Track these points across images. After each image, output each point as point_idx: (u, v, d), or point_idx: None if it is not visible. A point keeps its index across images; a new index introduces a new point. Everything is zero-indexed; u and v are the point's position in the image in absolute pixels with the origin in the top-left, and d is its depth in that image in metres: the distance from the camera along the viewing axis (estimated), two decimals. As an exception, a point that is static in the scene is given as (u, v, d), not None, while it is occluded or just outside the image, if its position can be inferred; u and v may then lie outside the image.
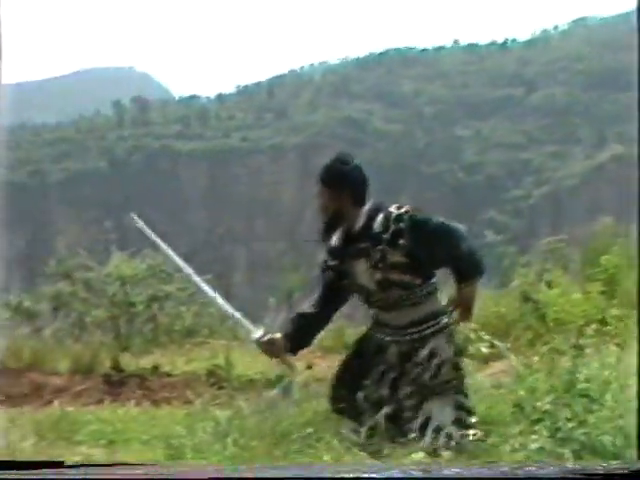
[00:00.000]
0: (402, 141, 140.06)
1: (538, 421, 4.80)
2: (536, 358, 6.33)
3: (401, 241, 5.26)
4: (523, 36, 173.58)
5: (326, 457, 4.52)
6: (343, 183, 5.47)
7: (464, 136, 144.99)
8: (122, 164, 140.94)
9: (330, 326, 10.77)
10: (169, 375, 9.05)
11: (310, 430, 5.03)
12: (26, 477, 3.13)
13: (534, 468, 3.18)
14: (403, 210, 5.36)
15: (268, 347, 5.49)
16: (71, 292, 13.35)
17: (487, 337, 7.88)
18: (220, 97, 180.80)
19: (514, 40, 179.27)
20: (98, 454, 4.96)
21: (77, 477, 3.12)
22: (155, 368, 9.38)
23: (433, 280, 5.41)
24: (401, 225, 5.28)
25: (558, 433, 4.59)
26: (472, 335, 7.89)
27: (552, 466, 3.32)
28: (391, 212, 5.37)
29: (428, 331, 5.35)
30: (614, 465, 3.68)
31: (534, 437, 4.61)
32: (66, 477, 3.15)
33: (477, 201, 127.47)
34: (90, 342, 11.01)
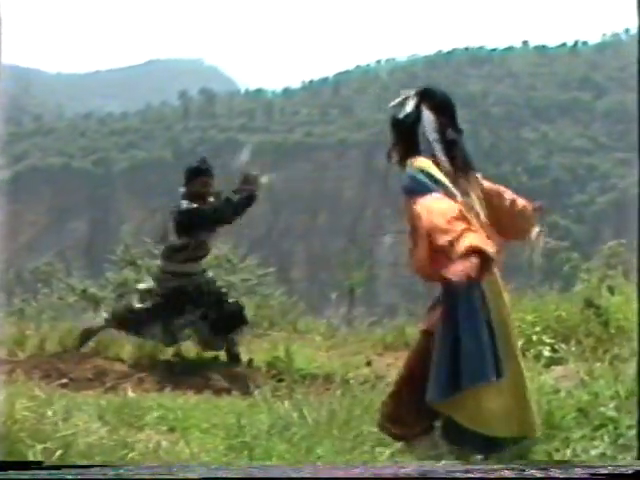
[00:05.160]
0: (468, 141, 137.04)
1: (600, 427, 4.77)
2: (599, 364, 6.29)
3: None
4: (593, 39, 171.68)
5: (387, 454, 4.54)
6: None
7: (530, 138, 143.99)
8: (187, 155, 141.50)
9: (391, 323, 10.80)
10: (229, 365, 9.10)
11: (370, 426, 5.05)
12: (15, 477, 3.16)
13: (539, 469, 3.20)
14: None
15: None
16: (136, 279, 13.41)
17: (549, 340, 7.84)
18: (286, 91, 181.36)
19: (585, 43, 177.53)
20: (162, 439, 5.02)
21: (54, 477, 3.15)
22: (216, 358, 9.43)
23: None
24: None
25: (620, 439, 4.57)
26: (534, 338, 7.85)
27: (556, 467, 3.32)
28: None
29: None
30: (617, 465, 3.67)
31: (596, 443, 4.58)
32: (43, 478, 3.18)
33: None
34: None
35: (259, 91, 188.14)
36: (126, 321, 8.98)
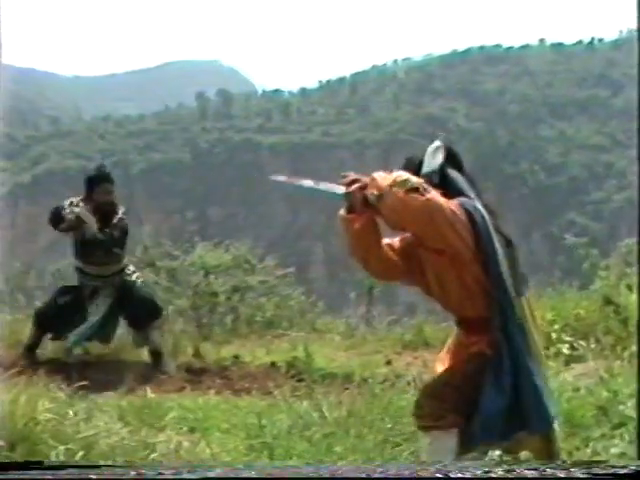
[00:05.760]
0: (484, 140, 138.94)
1: (620, 425, 4.75)
2: (618, 362, 6.27)
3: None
4: (610, 36, 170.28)
5: (406, 453, 4.54)
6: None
7: (547, 136, 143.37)
8: (204, 156, 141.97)
9: (410, 322, 10.77)
10: (249, 365, 9.11)
11: (390, 425, 5.05)
12: (9, 478, 3.15)
13: (540, 469, 3.18)
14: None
15: None
16: (155, 281, 13.38)
17: (569, 338, 7.82)
18: (303, 92, 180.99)
19: (601, 40, 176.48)
20: (182, 440, 5.03)
21: (60, 477, 3.14)
22: (235, 358, 9.44)
23: None
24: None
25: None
26: (554, 335, 7.83)
27: (558, 467, 3.30)
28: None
29: None
30: (619, 465, 3.64)
31: (615, 442, 4.56)
32: (49, 478, 3.17)
33: (558, 202, 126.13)
34: (172, 330, 11.09)
35: (276, 91, 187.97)
36: (47, 318, 9.02)
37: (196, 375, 8.64)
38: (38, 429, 4.43)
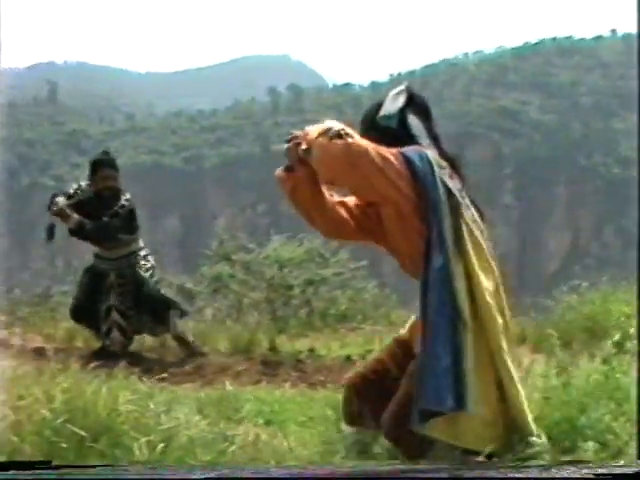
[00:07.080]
0: (558, 132, 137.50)
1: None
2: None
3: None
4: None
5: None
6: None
7: (621, 129, 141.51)
8: (276, 150, 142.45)
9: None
10: (324, 358, 9.14)
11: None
12: (19, 477, 3.19)
13: (542, 469, 3.16)
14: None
15: None
16: (230, 274, 13.49)
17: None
18: (373, 85, 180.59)
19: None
20: (260, 433, 5.07)
21: (66, 478, 3.17)
22: (311, 351, 9.48)
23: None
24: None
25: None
26: (631, 331, 7.74)
27: (561, 467, 3.27)
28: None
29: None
30: (622, 465, 3.59)
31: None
32: (56, 478, 3.19)
33: (630, 196, 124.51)
34: (247, 323, 11.17)
35: (347, 85, 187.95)
36: (76, 311, 9.14)
37: (272, 368, 8.69)
38: (120, 420, 4.49)
